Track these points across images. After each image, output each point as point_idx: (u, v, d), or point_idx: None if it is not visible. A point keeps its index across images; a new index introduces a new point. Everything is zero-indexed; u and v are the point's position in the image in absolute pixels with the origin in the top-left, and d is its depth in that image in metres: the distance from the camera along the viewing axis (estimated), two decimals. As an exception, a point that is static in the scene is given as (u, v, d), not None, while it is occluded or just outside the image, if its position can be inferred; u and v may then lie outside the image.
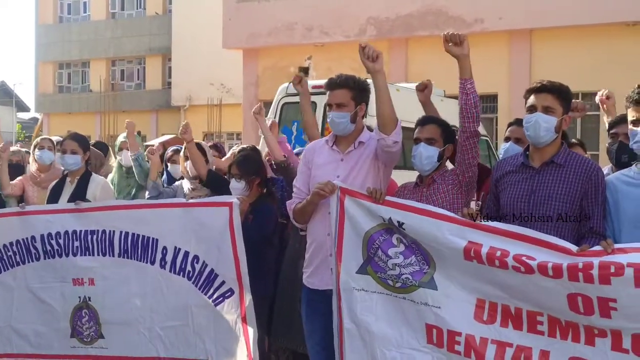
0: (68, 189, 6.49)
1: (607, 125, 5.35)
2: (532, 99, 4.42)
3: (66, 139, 6.61)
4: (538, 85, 4.42)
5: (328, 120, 5.03)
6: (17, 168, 8.16)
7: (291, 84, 13.16)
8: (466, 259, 4.21)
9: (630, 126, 4.14)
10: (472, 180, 4.84)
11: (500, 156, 5.28)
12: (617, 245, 3.83)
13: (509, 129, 5.49)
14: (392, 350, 4.58)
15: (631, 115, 4.15)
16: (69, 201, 6.25)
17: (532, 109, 4.39)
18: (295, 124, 12.54)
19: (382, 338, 4.62)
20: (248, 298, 5.35)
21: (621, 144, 5.03)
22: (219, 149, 8.76)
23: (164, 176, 8.34)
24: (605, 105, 5.68)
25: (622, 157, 4.94)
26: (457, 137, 4.96)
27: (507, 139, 5.41)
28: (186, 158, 7.06)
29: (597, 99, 5.75)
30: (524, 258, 3.97)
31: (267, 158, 6.79)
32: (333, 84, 4.98)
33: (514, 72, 21.57)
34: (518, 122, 5.22)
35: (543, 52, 21.51)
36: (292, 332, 5.99)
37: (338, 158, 5.00)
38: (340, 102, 4.93)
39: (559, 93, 4.39)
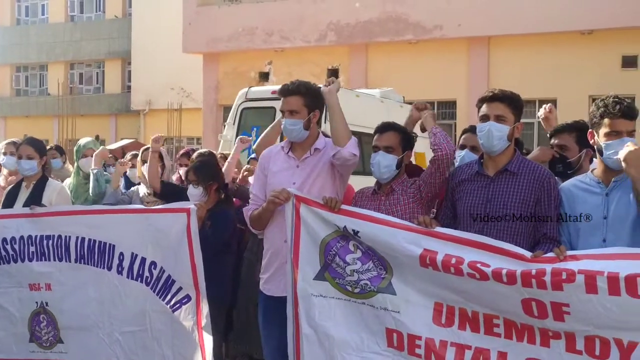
0: (24, 194, 6.40)
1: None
2: (484, 108, 4.47)
3: (22, 144, 6.52)
4: (490, 94, 4.47)
5: (282, 127, 5.04)
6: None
7: (251, 88, 13.28)
8: (422, 266, 4.25)
9: (604, 139, 4.08)
10: (434, 197, 4.87)
11: (456, 164, 5.32)
12: (569, 252, 3.90)
13: (463, 136, 5.50)
14: (352, 354, 4.60)
15: (606, 127, 4.09)
16: (24, 206, 6.17)
17: (484, 118, 4.44)
18: (255, 129, 12.53)
19: (341, 343, 4.63)
20: (205, 304, 5.32)
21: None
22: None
23: (122, 181, 8.31)
24: (549, 120, 5.73)
25: (556, 167, 5.03)
26: (415, 143, 5.04)
27: (462, 147, 5.44)
28: (143, 162, 7.04)
29: (540, 114, 5.76)
30: (478, 265, 4.02)
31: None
32: (285, 91, 5.00)
33: (473, 79, 21.75)
34: (472, 130, 5.25)
35: (501, 59, 21.74)
36: (248, 338, 5.99)
37: (294, 165, 5.01)
38: (292, 109, 4.95)
39: (510, 102, 4.44)
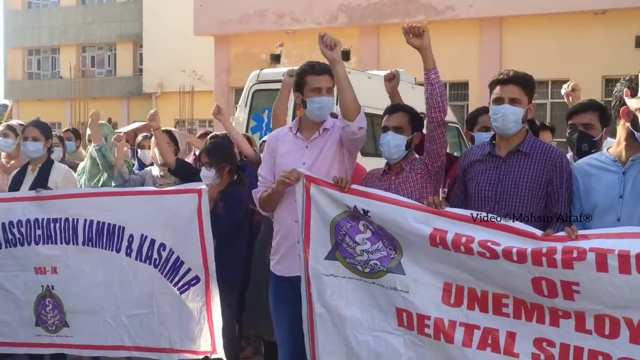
0: (30, 177, 6.39)
1: None
2: (498, 90, 4.43)
3: (28, 126, 6.51)
4: (504, 77, 4.42)
5: (317, 105, 4.92)
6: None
7: (262, 70, 13.26)
8: (432, 245, 4.24)
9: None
10: (441, 169, 4.86)
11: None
12: (580, 232, 3.90)
13: (481, 118, 5.39)
14: (365, 333, 4.60)
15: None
16: (30, 189, 6.16)
17: (499, 101, 4.41)
18: (267, 111, 12.54)
19: (353, 322, 4.64)
20: (214, 285, 5.34)
21: (581, 133, 5.08)
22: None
23: (135, 163, 8.36)
24: (571, 98, 5.74)
25: (582, 146, 4.99)
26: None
27: (486, 129, 5.29)
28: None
29: (562, 92, 5.81)
30: (489, 244, 4.01)
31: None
32: (321, 70, 4.95)
33: (485, 60, 21.67)
34: (487, 111, 5.20)
35: (513, 39, 21.64)
36: (260, 319, 6.01)
37: (303, 145, 5.00)
38: (330, 85, 4.93)
39: (525, 84, 4.42)
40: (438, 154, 4.76)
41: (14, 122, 7.84)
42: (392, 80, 5.65)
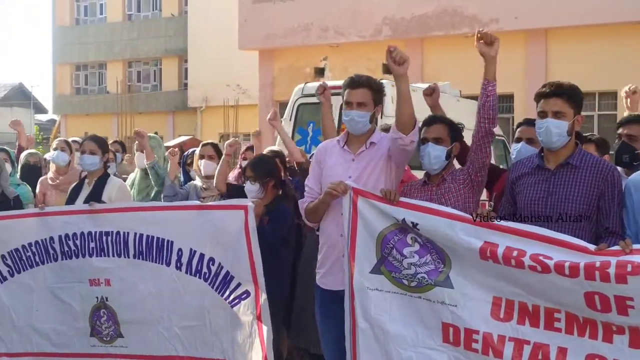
0: (85, 190, 6.52)
1: None
2: (542, 104, 4.41)
3: (85, 140, 6.67)
4: (547, 90, 4.40)
5: (346, 118, 4.99)
6: (33, 170, 8.23)
7: (307, 84, 13.31)
8: (482, 259, 4.22)
9: None
10: (484, 180, 4.88)
11: (513, 157, 5.27)
12: (635, 246, 3.83)
13: (519, 129, 5.40)
14: (408, 349, 4.59)
15: None
16: (84, 202, 6.26)
17: (542, 115, 4.39)
18: (311, 124, 12.56)
19: (397, 337, 4.63)
20: (264, 299, 5.35)
21: (623, 144, 5.02)
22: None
23: (181, 178, 8.41)
24: (629, 100, 5.67)
25: (623, 157, 4.94)
26: (464, 135, 5.02)
27: (518, 140, 5.36)
28: (200, 157, 7.14)
29: (622, 93, 5.76)
30: (540, 257, 3.98)
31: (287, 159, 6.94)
32: (355, 83, 4.98)
33: (530, 72, 21.47)
34: (528, 122, 5.20)
35: (559, 51, 21.43)
36: (306, 332, 6.01)
37: (349, 158, 5.01)
38: (362, 101, 4.94)
39: (569, 96, 4.37)
40: (483, 163, 4.78)
41: (70, 139, 7.96)
42: (431, 94, 5.63)
